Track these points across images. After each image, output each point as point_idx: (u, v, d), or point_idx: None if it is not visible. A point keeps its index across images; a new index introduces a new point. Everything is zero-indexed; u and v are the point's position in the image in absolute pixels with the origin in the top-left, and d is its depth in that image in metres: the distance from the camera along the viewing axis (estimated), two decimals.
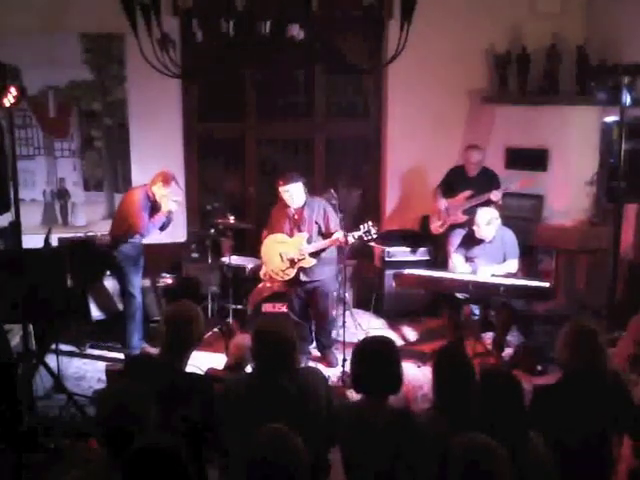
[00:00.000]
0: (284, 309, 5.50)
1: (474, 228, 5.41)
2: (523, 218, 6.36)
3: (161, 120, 6.49)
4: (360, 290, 6.70)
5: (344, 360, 5.08)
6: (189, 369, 3.30)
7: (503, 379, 2.88)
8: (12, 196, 4.52)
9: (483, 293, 5.23)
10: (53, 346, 5.13)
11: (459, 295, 5.44)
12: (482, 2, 6.61)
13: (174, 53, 3.93)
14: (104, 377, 4.76)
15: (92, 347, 5.86)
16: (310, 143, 7.11)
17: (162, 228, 5.58)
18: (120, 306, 5.80)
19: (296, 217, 5.36)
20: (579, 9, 6.73)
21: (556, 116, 6.40)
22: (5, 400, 4.04)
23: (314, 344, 5.72)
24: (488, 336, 5.64)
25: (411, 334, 6.21)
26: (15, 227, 4.55)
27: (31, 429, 4.20)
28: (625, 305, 5.03)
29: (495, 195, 5.80)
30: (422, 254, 6.49)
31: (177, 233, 6.41)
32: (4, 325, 4.56)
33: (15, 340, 4.91)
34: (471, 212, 5.81)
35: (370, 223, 5.17)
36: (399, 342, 5.93)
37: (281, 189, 5.30)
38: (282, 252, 5.37)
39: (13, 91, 4.30)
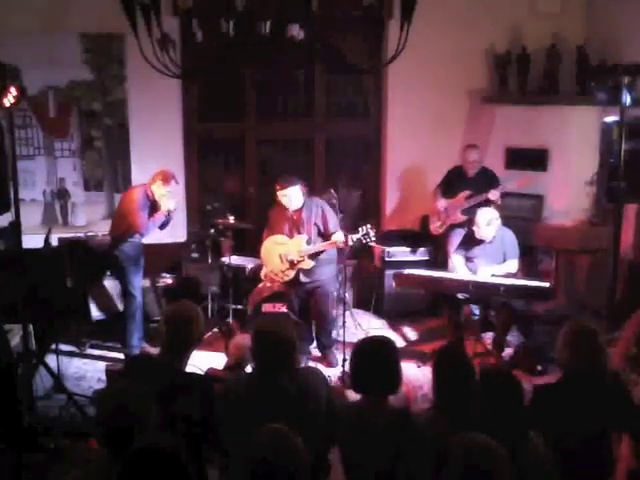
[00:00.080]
0: (284, 309, 5.49)
1: (474, 228, 5.41)
2: (523, 218, 6.36)
3: (161, 120, 6.50)
4: (360, 290, 6.70)
5: (344, 360, 5.08)
6: (189, 369, 3.30)
7: (503, 379, 2.88)
8: (12, 196, 4.52)
9: (483, 293, 5.23)
10: (53, 346, 5.13)
11: (459, 295, 5.44)
12: (482, 2, 6.61)
13: (174, 53, 3.93)
14: (104, 377, 4.76)
15: (92, 347, 5.86)
16: (310, 143, 7.11)
17: (162, 227, 5.57)
18: (120, 306, 5.80)
19: (295, 218, 5.36)
20: (579, 9, 6.73)
21: (556, 116, 6.40)
22: (5, 400, 4.04)
23: (314, 344, 5.72)
24: (488, 336, 5.64)
25: (411, 334, 6.21)
26: (15, 227, 4.55)
27: (31, 429, 4.20)
28: (625, 305, 5.03)
29: (493, 194, 5.80)
30: (422, 254, 6.49)
31: (177, 233, 6.41)
32: (4, 325, 4.56)
33: (15, 340, 4.91)
34: (470, 212, 5.81)
35: (369, 226, 5.16)
36: (399, 342, 5.93)
37: (279, 193, 5.30)
38: (282, 253, 5.38)
39: (13, 91, 4.30)
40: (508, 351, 5.56)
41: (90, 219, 6.53)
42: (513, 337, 5.81)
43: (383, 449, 2.75)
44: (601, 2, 6.59)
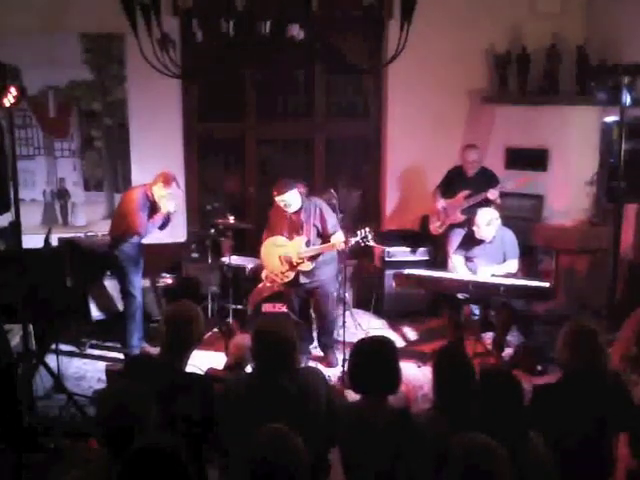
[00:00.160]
0: (284, 309, 5.50)
1: (474, 229, 5.41)
2: (523, 218, 6.36)
3: (161, 120, 6.50)
4: (360, 290, 6.70)
5: (344, 360, 5.07)
6: (189, 369, 3.30)
7: (503, 379, 2.88)
8: (12, 196, 4.52)
9: (483, 293, 5.23)
10: (53, 346, 5.13)
11: (459, 295, 5.44)
12: (482, 2, 6.61)
13: (174, 53, 3.94)
14: (104, 377, 4.76)
15: (92, 347, 5.86)
16: (310, 143, 7.11)
17: (161, 227, 5.57)
18: (120, 306, 5.80)
19: (294, 220, 5.35)
20: (579, 9, 6.73)
21: (556, 116, 6.40)
22: (5, 400, 4.04)
23: (314, 344, 5.72)
24: (488, 336, 5.64)
25: (411, 334, 6.21)
26: (15, 227, 4.55)
27: (31, 429, 4.20)
28: (625, 305, 5.03)
29: (492, 194, 5.80)
30: (422, 254, 6.49)
31: (177, 233, 6.41)
32: (4, 325, 4.56)
33: (15, 340, 4.91)
34: (469, 212, 5.81)
35: (367, 229, 5.14)
36: (399, 342, 5.93)
37: (276, 199, 5.29)
38: (281, 255, 5.37)
39: (13, 91, 4.30)
40: (508, 351, 5.55)
41: (90, 219, 6.53)
42: (513, 337, 5.81)
43: (382, 449, 2.75)
44: (601, 2, 6.59)
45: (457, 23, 6.57)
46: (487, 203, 5.77)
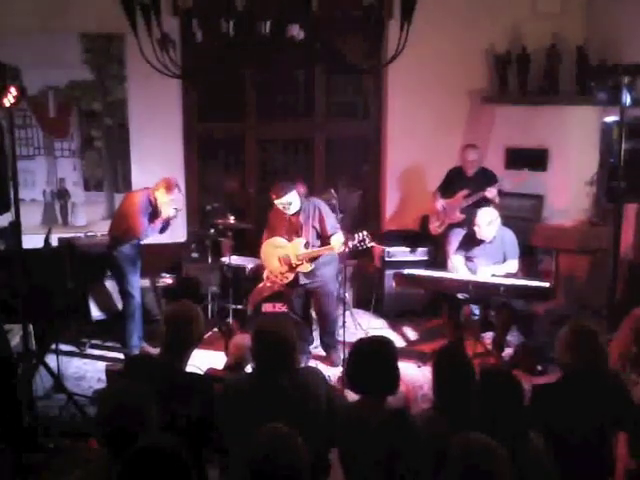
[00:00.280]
0: (284, 309, 5.50)
1: (475, 228, 5.41)
2: (523, 218, 6.36)
3: (161, 120, 6.50)
4: (360, 290, 6.70)
5: (344, 360, 5.07)
6: (189, 369, 3.31)
7: (503, 379, 2.88)
8: (12, 196, 4.51)
9: (483, 293, 5.23)
10: (53, 346, 5.13)
11: (459, 295, 5.44)
12: (482, 2, 6.62)
13: (174, 53, 3.93)
14: (104, 377, 4.75)
15: (92, 347, 5.86)
16: (310, 143, 7.11)
17: (161, 231, 5.59)
18: (120, 306, 5.80)
19: (293, 222, 5.35)
20: (579, 9, 6.73)
21: (556, 116, 6.40)
22: (5, 400, 4.04)
23: (315, 344, 5.72)
24: (488, 336, 5.64)
25: (411, 334, 6.21)
26: (15, 227, 4.55)
27: (31, 429, 4.20)
28: (625, 305, 5.02)
29: (490, 192, 5.80)
30: (422, 254, 6.50)
31: (177, 233, 6.41)
32: (4, 325, 4.56)
33: (15, 340, 4.91)
34: (468, 211, 5.82)
35: (365, 233, 5.13)
36: (399, 342, 5.94)
37: (275, 202, 5.28)
38: (280, 256, 5.37)
39: (13, 91, 4.30)
40: (508, 351, 5.56)
41: (90, 219, 6.52)
42: (513, 337, 5.81)
43: (381, 449, 2.75)
44: (601, 2, 6.59)
45: (457, 23, 6.57)
46: (486, 203, 5.77)
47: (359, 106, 7.28)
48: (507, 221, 5.59)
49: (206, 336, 5.28)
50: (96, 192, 6.56)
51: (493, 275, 5.29)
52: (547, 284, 5.19)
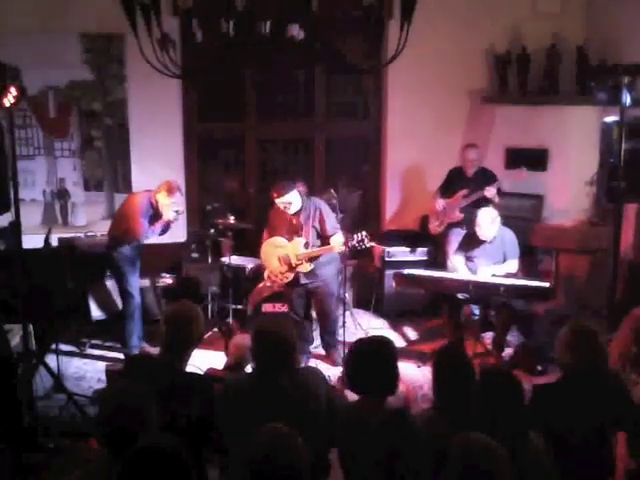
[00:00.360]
0: (284, 309, 5.49)
1: (476, 228, 5.41)
2: (523, 218, 6.37)
3: (161, 120, 6.49)
4: (360, 290, 6.70)
5: (344, 360, 5.07)
6: (189, 369, 3.31)
7: (503, 379, 2.88)
8: (12, 196, 4.51)
9: (483, 293, 5.23)
10: (53, 346, 5.13)
11: (459, 295, 5.44)
12: (482, 2, 6.62)
13: (174, 53, 3.93)
14: (104, 377, 4.75)
15: (92, 347, 5.86)
16: (310, 143, 7.11)
17: (161, 234, 5.59)
18: (120, 306, 5.80)
19: (294, 222, 5.35)
20: (579, 9, 6.73)
21: (556, 116, 6.40)
22: (5, 400, 4.04)
23: (315, 344, 5.72)
24: (488, 336, 5.64)
25: (411, 334, 6.21)
26: (15, 227, 4.55)
27: (31, 429, 4.20)
28: (625, 305, 5.03)
29: (489, 191, 5.80)
30: (422, 254, 6.50)
31: (177, 233, 6.41)
32: (4, 325, 4.56)
33: (15, 340, 4.91)
34: (468, 210, 5.83)
35: (364, 233, 5.13)
36: (399, 342, 5.93)
37: (276, 201, 5.29)
38: (280, 256, 5.37)
39: (13, 91, 4.30)
40: (508, 351, 5.55)
41: (90, 219, 6.52)
42: (513, 337, 5.81)
43: (381, 449, 2.75)
44: (601, 2, 6.59)
45: (457, 23, 6.57)
46: (486, 202, 5.77)
47: (359, 106, 7.28)
48: (507, 221, 5.59)
49: (206, 336, 5.28)
50: (96, 192, 6.56)
51: (493, 275, 5.29)
52: (547, 284, 5.19)
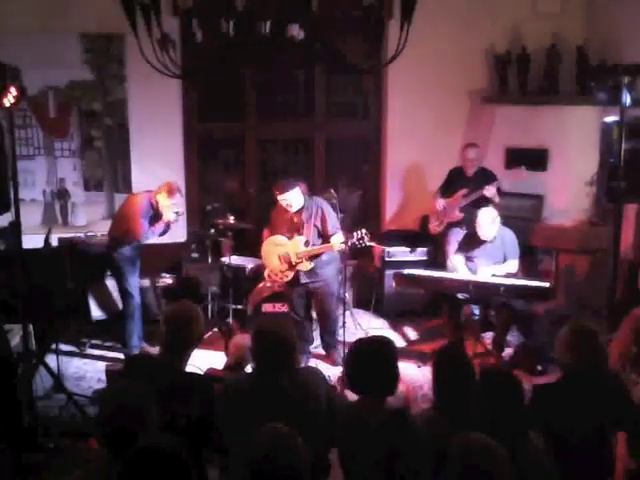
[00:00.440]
0: (284, 309, 5.49)
1: (476, 228, 5.41)
2: (523, 218, 6.37)
3: (161, 120, 6.49)
4: (360, 290, 6.70)
5: (344, 360, 5.07)
6: (189, 369, 3.30)
7: (503, 378, 2.88)
8: (12, 196, 4.51)
9: (483, 293, 5.23)
10: (53, 346, 5.13)
11: (459, 295, 5.44)
12: (482, 2, 6.62)
13: (174, 53, 3.93)
14: (104, 377, 4.75)
15: (92, 347, 5.86)
16: (310, 143, 7.11)
17: (161, 235, 5.60)
18: (120, 306, 5.80)
19: (295, 220, 5.35)
20: (579, 9, 6.73)
21: (556, 116, 6.40)
22: (5, 400, 4.04)
23: (315, 344, 5.72)
24: (488, 336, 5.64)
25: (411, 334, 6.21)
26: (15, 227, 4.55)
27: (31, 429, 4.20)
28: (625, 305, 5.03)
29: (489, 190, 5.80)
30: (422, 254, 6.50)
31: (177, 233, 6.41)
32: (4, 325, 4.56)
33: (15, 340, 4.91)
34: (467, 210, 5.83)
35: (364, 231, 5.13)
36: (399, 342, 5.93)
37: (278, 198, 5.29)
38: (280, 255, 5.37)
39: (13, 91, 4.30)
40: (508, 351, 5.55)
41: (90, 219, 6.53)
42: (513, 337, 5.81)
43: (381, 449, 2.75)
44: (601, 2, 6.59)
45: (457, 23, 6.57)
46: (486, 202, 5.77)
47: (359, 106, 7.28)
48: (507, 221, 5.59)
49: (206, 336, 5.28)
50: (96, 192, 6.56)
51: (493, 275, 5.29)
52: (547, 284, 5.19)
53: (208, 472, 3.17)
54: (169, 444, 2.22)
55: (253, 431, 2.32)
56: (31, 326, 4.82)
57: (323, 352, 5.65)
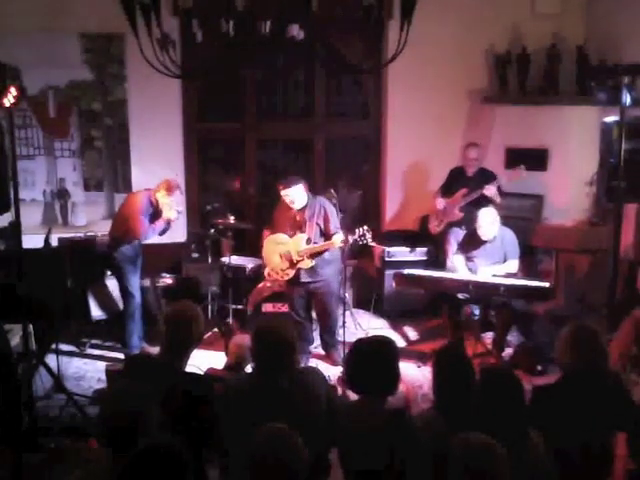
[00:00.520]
0: (284, 309, 5.49)
1: (477, 228, 5.41)
2: (523, 218, 6.37)
3: (161, 120, 6.49)
4: (360, 290, 6.69)
5: (344, 360, 5.07)
6: (189, 369, 3.30)
7: (503, 378, 2.88)
8: (12, 196, 4.51)
9: (483, 293, 5.23)
10: (53, 346, 5.13)
11: (459, 295, 5.44)
12: (482, 2, 6.62)
13: (174, 53, 3.93)
14: (104, 377, 4.76)
15: (92, 347, 5.86)
16: (310, 143, 7.11)
17: (161, 233, 5.60)
18: (121, 305, 5.80)
19: (298, 218, 5.36)
20: (579, 9, 6.73)
21: (556, 116, 6.40)
22: (5, 400, 4.04)
23: (315, 344, 5.72)
24: (488, 336, 5.64)
25: (411, 334, 6.21)
26: (15, 227, 4.54)
27: (31, 429, 4.19)
28: (625, 305, 5.03)
29: (488, 190, 5.80)
30: (422, 254, 6.49)
31: (177, 233, 6.41)
32: (4, 325, 4.56)
33: (15, 340, 4.91)
34: (467, 209, 5.83)
35: (365, 228, 5.13)
36: (399, 342, 5.93)
37: (282, 193, 5.29)
38: (281, 253, 5.37)
39: (13, 91, 4.29)
40: (508, 351, 5.55)
41: (90, 219, 6.53)
42: (513, 337, 5.81)
43: (379, 449, 2.75)
44: (601, 2, 6.59)
45: (457, 23, 6.57)
46: (486, 202, 5.77)
47: (359, 106, 7.28)
48: (507, 221, 5.59)
49: (206, 336, 5.28)
50: (96, 192, 6.56)
51: (493, 275, 5.29)
52: (547, 284, 5.19)
53: (208, 472, 3.17)
54: (169, 444, 2.22)
55: (253, 431, 2.32)
56: (31, 326, 4.82)
57: (323, 352, 5.65)
